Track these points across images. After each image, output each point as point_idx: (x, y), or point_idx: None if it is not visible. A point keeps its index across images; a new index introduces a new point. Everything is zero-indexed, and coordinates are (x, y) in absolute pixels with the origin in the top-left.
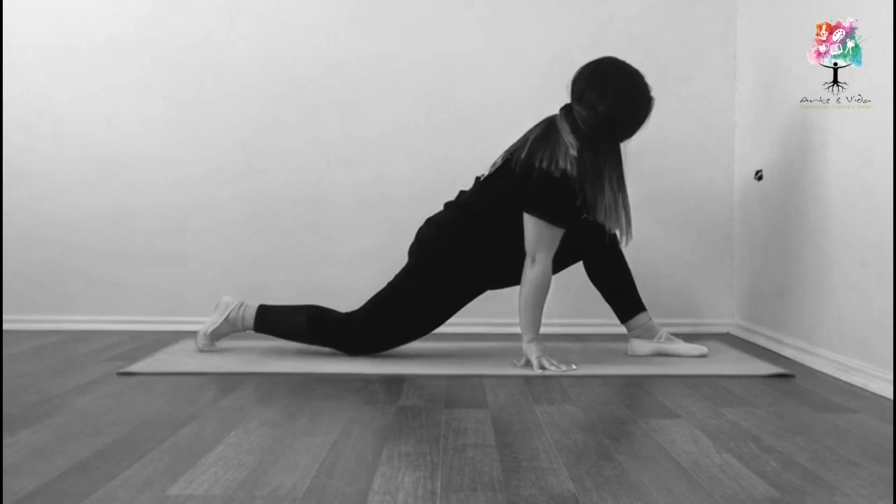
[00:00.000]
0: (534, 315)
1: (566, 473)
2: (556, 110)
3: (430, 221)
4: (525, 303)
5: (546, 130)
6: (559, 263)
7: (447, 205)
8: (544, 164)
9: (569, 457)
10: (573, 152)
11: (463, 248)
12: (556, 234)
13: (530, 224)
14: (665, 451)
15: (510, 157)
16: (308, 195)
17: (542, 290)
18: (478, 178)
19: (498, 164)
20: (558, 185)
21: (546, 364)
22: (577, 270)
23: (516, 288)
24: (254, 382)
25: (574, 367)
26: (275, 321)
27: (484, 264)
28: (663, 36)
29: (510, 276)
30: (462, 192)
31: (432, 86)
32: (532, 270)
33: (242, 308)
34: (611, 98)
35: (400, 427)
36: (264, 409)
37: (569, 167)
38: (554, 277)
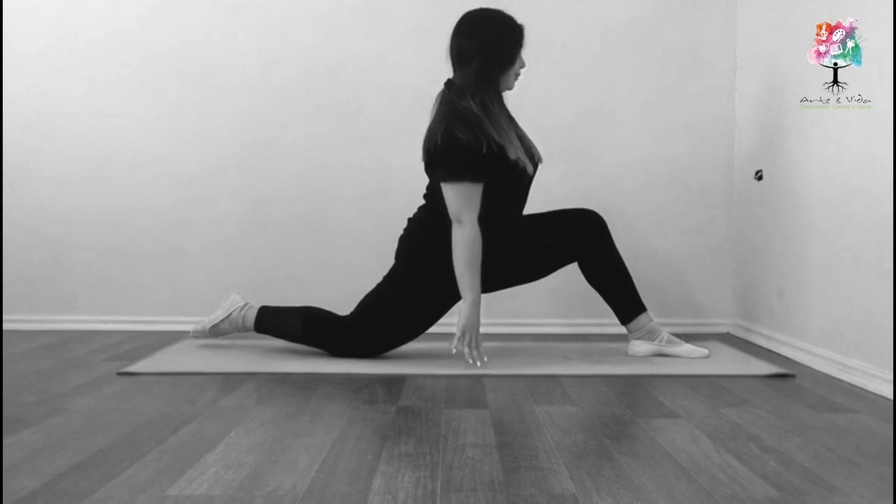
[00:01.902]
0: (472, 275)
1: (566, 473)
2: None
3: (409, 221)
4: (461, 263)
5: (433, 114)
6: (553, 264)
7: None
8: (439, 141)
9: (569, 457)
10: (451, 117)
11: (436, 245)
12: (472, 190)
13: (446, 191)
14: (665, 451)
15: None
16: (308, 194)
17: (474, 249)
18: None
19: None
20: (454, 148)
21: (469, 347)
22: (578, 270)
23: (515, 289)
24: (254, 382)
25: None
26: (273, 321)
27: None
28: (663, 36)
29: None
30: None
31: (431, 85)
32: (461, 232)
33: (245, 309)
34: (479, 37)
35: (400, 427)
36: (264, 409)
37: (455, 128)
38: (553, 277)
